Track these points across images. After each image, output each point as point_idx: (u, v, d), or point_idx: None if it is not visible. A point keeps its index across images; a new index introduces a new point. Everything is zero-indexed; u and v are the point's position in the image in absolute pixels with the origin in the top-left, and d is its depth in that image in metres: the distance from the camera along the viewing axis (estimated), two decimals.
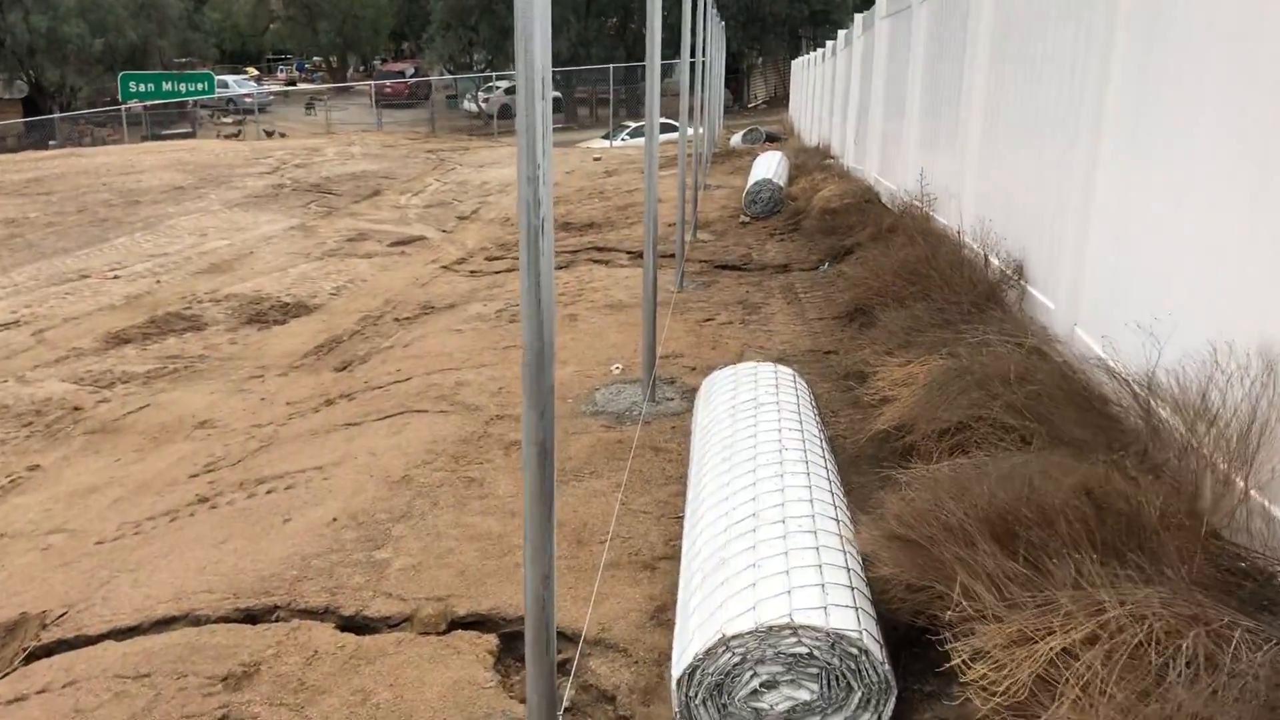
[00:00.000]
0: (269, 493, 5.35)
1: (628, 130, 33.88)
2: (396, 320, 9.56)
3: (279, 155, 23.39)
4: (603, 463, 4.93)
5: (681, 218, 9.33)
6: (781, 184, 13.08)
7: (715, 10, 19.14)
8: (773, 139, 25.10)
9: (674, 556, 3.83)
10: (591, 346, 7.08)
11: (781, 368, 4.86)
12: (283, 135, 37.73)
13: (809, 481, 3.54)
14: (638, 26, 43.78)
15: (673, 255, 9.79)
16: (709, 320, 7.59)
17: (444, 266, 12.29)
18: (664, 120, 25.24)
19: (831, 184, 12.20)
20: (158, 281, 12.00)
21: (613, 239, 12.57)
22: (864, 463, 4.51)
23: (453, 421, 5.75)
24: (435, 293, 10.58)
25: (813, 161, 16.03)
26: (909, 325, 5.13)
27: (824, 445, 4.07)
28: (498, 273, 11.46)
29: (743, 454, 3.80)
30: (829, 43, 20.06)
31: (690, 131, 15.39)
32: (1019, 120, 6.07)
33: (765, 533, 3.14)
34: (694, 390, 5.90)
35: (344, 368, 8.18)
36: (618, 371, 6.39)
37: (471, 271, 11.72)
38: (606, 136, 34.82)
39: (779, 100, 44.74)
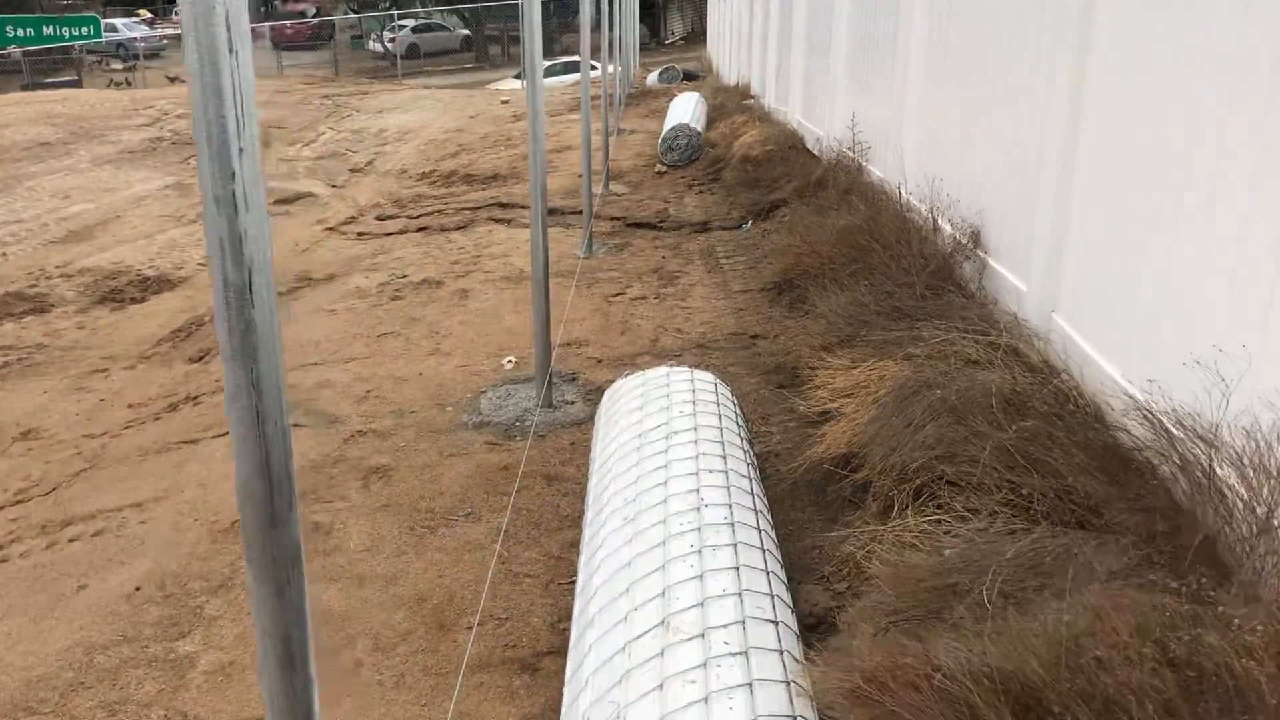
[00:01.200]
0: (72, 540, 4.31)
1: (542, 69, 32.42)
2: None
3: (161, 105, 21.59)
4: (482, 498, 3.98)
5: (588, 171, 8.32)
6: (699, 129, 12.08)
7: None
8: (690, 77, 24.01)
9: (562, 650, 2.92)
10: (483, 332, 6.08)
11: (700, 375, 3.93)
12: (183, 82, 35.39)
13: (736, 559, 2.64)
14: None
15: (580, 212, 8.78)
16: (619, 295, 6.64)
17: (329, 228, 11.10)
18: (574, 59, 23.96)
19: (752, 128, 11.24)
20: (3, 255, 10.64)
21: (518, 193, 11.49)
22: (805, 496, 3.63)
23: (304, 439, 4.74)
24: (315, 260, 9.44)
25: (732, 102, 15.03)
26: (851, 313, 4.23)
27: (755, 488, 3.17)
28: (388, 234, 10.34)
29: (650, 515, 2.88)
30: None
31: (597, 71, 14.21)
32: (973, 46, 5.13)
33: (676, 660, 2.24)
34: (600, 390, 4.97)
35: (200, 358, 7.07)
36: (510, 366, 5.42)
37: (359, 234, 10.57)
38: (519, 76, 33.34)
39: (697, 36, 43.42)
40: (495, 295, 6.91)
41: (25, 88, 36.76)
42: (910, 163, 5.98)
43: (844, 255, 5.00)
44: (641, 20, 38.04)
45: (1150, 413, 2.52)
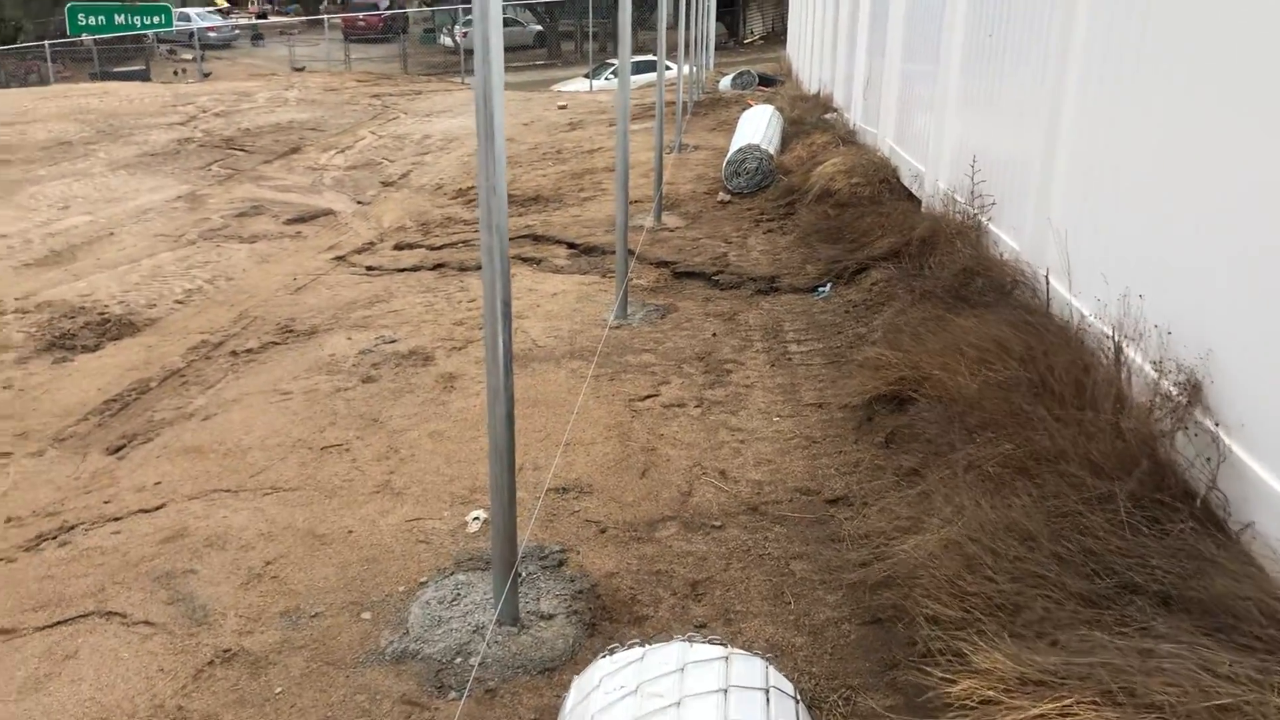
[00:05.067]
0: None
1: (612, 69, 30.85)
2: (234, 354, 6.89)
3: (201, 101, 20.39)
4: None
5: (623, 205, 6.59)
6: (772, 151, 10.32)
7: None
8: (767, 82, 22.17)
9: None
10: (455, 457, 4.42)
11: (739, 668, 2.22)
12: (273, 74, 34.52)
13: None
14: None
15: (613, 251, 7.07)
16: (650, 397, 4.93)
17: (339, 257, 9.57)
18: (644, 59, 22.24)
19: (834, 153, 9.45)
20: None
21: (556, 222, 9.87)
22: None
23: (143, 658, 3.12)
24: (307, 304, 7.89)
25: (811, 116, 13.22)
26: (1011, 551, 2.48)
27: None
28: (400, 270, 8.78)
29: None
30: None
31: (671, 72, 12.40)
32: (1213, 24, 3.32)
33: None
34: (595, 593, 3.29)
35: (119, 448, 5.52)
36: (477, 527, 3.76)
37: (369, 267, 9.02)
38: (589, 76, 31.81)
39: (777, 36, 41.41)
40: None
41: (94, 76, 36.35)
42: (1081, 249, 4.15)
43: (980, 398, 3.25)
44: (719, 17, 36.26)
45: None
